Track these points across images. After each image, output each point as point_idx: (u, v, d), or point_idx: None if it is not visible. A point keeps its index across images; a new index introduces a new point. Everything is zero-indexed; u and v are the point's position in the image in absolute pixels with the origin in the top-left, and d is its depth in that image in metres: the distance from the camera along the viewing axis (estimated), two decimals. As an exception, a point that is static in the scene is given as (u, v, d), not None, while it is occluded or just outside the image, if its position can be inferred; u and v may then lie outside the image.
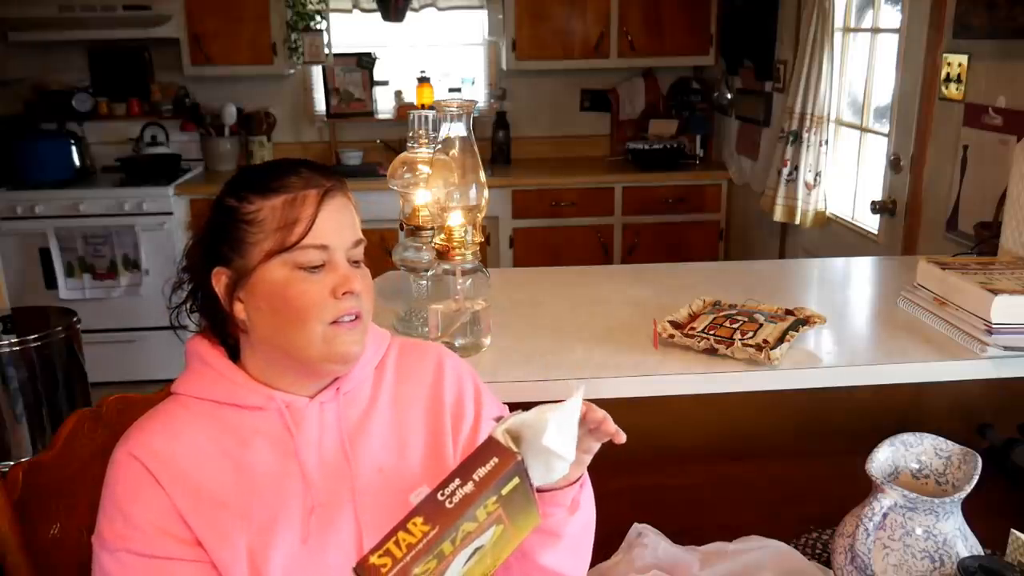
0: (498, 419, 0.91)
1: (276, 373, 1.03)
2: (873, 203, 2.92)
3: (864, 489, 1.16)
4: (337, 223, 0.99)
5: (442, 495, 0.82)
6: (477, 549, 0.83)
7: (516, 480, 0.85)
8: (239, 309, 1.01)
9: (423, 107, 1.59)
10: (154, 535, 0.94)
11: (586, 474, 1.07)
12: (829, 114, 3.19)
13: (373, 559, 0.78)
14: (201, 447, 0.99)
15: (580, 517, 1.06)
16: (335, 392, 1.04)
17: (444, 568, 0.81)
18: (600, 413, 0.96)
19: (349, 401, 1.06)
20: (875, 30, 3.10)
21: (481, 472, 0.83)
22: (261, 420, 1.01)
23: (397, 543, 0.79)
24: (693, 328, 1.55)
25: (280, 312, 0.98)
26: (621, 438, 0.96)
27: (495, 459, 0.84)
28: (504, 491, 0.84)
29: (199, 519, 0.96)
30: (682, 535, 1.38)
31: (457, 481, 0.83)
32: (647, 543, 1.35)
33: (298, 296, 0.97)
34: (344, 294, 0.98)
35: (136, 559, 0.94)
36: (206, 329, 1.08)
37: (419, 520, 0.80)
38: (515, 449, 0.87)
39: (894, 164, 2.83)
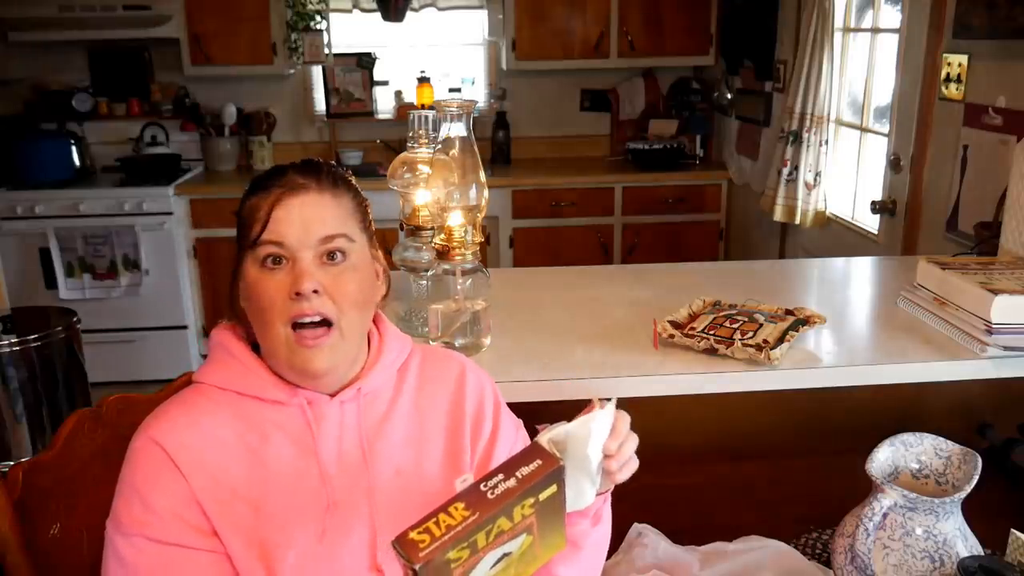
0: (541, 427, 0.94)
1: (275, 365, 1.03)
2: (873, 203, 2.92)
3: (864, 489, 1.16)
4: (299, 219, 0.97)
5: (485, 486, 0.84)
6: (505, 555, 0.85)
7: (554, 488, 0.87)
8: (243, 300, 1.03)
9: (423, 107, 1.59)
10: (171, 521, 0.94)
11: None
12: (829, 114, 3.19)
13: (412, 535, 0.79)
14: (221, 437, 0.99)
15: (600, 530, 1.07)
16: (356, 392, 1.04)
17: (474, 563, 0.82)
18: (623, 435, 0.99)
19: (370, 401, 1.06)
20: (875, 30, 3.10)
21: (524, 471, 0.85)
22: (282, 415, 1.02)
23: (437, 523, 0.80)
24: (693, 328, 1.55)
25: (252, 309, 0.99)
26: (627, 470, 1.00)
27: (538, 461, 0.86)
28: (542, 496, 0.85)
29: (216, 508, 0.96)
30: (682, 535, 1.38)
31: (500, 476, 0.85)
32: (647, 543, 1.35)
33: (260, 295, 0.97)
34: (296, 295, 0.96)
35: (151, 545, 0.94)
36: (231, 320, 1.08)
37: (460, 505, 0.82)
38: (559, 455, 0.89)
39: (894, 164, 2.83)
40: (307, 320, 0.97)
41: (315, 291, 0.96)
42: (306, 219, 0.98)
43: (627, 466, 1.00)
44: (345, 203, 1.03)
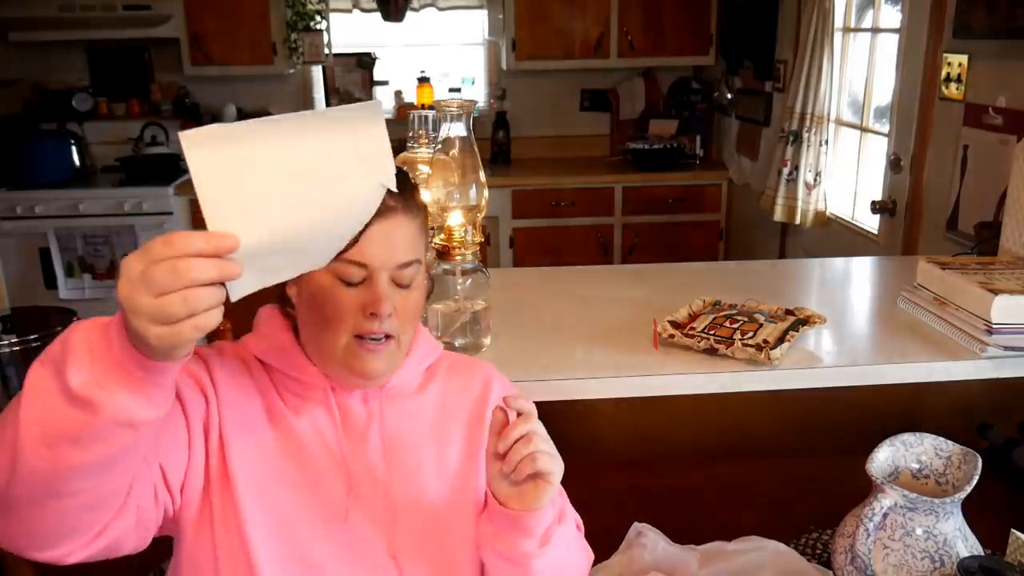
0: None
1: (319, 360, 1.04)
2: (873, 203, 2.92)
3: (864, 489, 1.16)
4: (386, 243, 0.96)
5: None
6: None
7: None
8: (291, 290, 1.03)
9: (423, 107, 1.59)
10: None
11: (572, 517, 1.10)
12: (829, 114, 3.19)
13: None
14: (256, 395, 1.02)
15: (551, 555, 1.01)
16: (380, 388, 1.06)
17: None
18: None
19: (394, 395, 1.07)
20: (875, 30, 3.10)
21: None
22: (310, 397, 1.04)
23: None
24: (693, 328, 1.55)
25: (315, 312, 0.99)
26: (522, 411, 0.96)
27: None
28: None
29: (238, 445, 0.98)
30: (682, 535, 1.38)
31: None
32: (647, 543, 1.35)
33: (332, 305, 0.97)
34: (371, 314, 0.97)
35: None
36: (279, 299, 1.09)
37: None
38: None
39: (894, 164, 2.83)
40: (373, 337, 0.99)
41: (389, 313, 0.98)
42: (392, 243, 0.97)
43: (525, 463, 0.94)
44: (420, 225, 1.02)
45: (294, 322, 1.06)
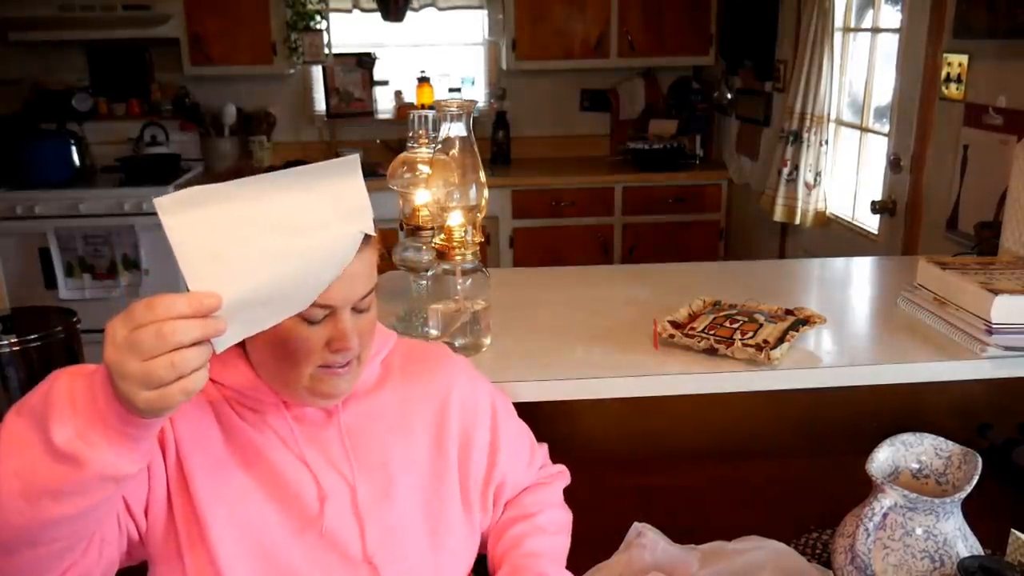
0: None
1: (279, 387, 1.03)
2: (873, 203, 2.92)
3: (864, 489, 1.16)
4: (349, 280, 0.94)
5: None
6: None
7: None
8: None
9: (423, 107, 1.59)
10: None
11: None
12: (829, 114, 3.19)
13: None
14: (212, 419, 1.01)
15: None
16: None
17: None
18: None
19: (352, 395, 1.06)
20: (875, 30, 3.10)
21: None
22: (265, 411, 1.02)
23: None
24: (693, 328, 1.55)
25: (275, 350, 0.97)
26: None
27: None
28: None
29: (204, 476, 0.96)
30: (682, 535, 1.38)
31: None
32: (646, 543, 1.35)
33: (295, 344, 0.95)
34: (337, 351, 0.96)
35: None
36: None
37: None
38: None
39: (894, 164, 2.83)
40: (338, 366, 0.98)
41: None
42: (353, 279, 0.95)
43: None
44: (374, 250, 1.01)
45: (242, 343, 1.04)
